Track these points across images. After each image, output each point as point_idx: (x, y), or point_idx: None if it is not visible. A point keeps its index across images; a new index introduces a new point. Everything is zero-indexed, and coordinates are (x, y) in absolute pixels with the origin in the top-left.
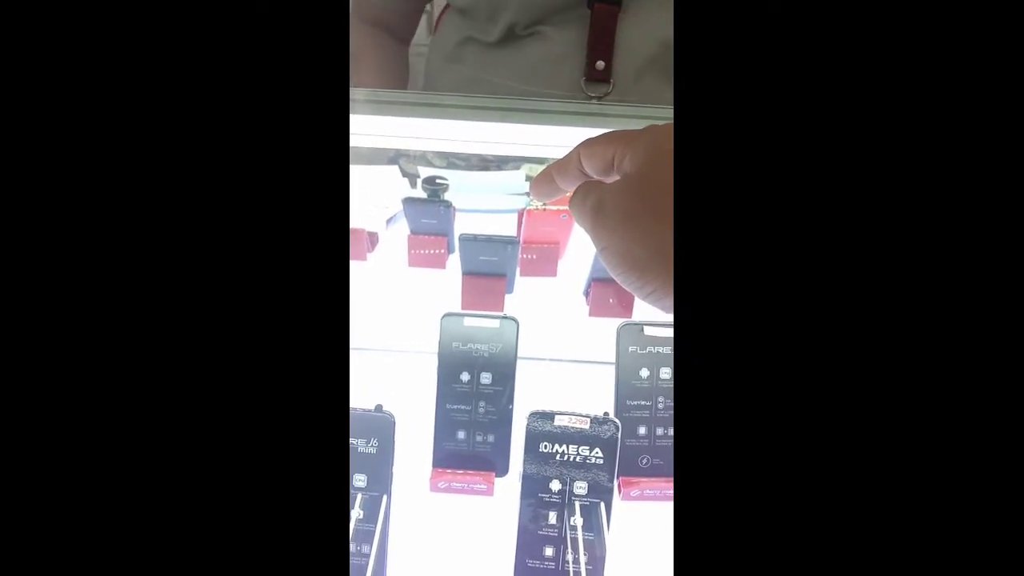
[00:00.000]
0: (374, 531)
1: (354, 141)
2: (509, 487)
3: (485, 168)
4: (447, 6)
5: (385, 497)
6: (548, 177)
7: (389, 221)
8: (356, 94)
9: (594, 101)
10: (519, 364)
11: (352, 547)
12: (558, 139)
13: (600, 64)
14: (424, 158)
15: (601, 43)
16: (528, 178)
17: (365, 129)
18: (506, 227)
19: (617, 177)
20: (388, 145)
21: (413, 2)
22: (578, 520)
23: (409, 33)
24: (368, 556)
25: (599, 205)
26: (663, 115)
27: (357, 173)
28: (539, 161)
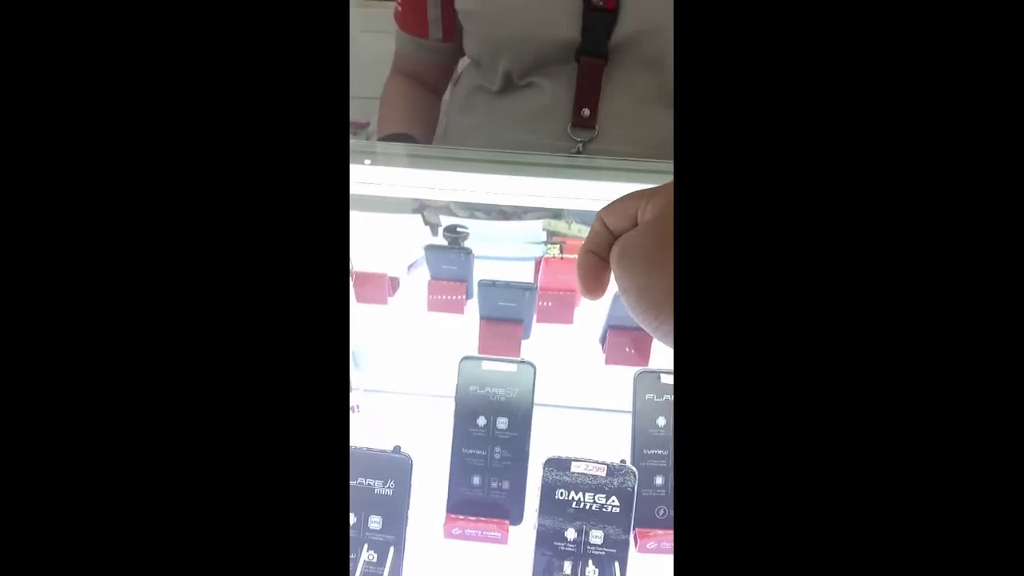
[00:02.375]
0: (384, 574)
1: (374, 191)
2: (523, 535)
3: (504, 218)
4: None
5: (398, 540)
6: (584, 256)
7: (411, 267)
8: (364, 146)
9: (579, 145)
10: (535, 411)
11: None
12: (548, 190)
13: (585, 112)
14: (446, 208)
15: (587, 93)
16: (546, 229)
17: (382, 179)
18: (524, 274)
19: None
20: (389, 194)
21: (446, 57)
22: (594, 571)
23: (442, 86)
24: None
25: (622, 249)
26: (638, 167)
27: (380, 221)
28: (553, 213)
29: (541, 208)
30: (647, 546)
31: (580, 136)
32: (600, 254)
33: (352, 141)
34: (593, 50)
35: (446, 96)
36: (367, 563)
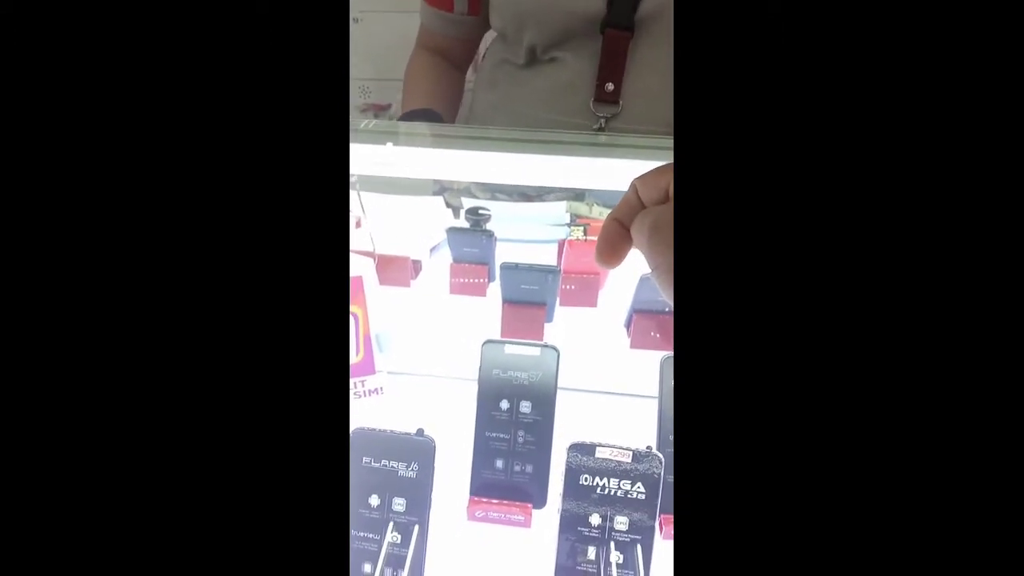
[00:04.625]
0: (412, 557)
1: (396, 172)
2: (547, 519)
3: (527, 199)
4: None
5: (421, 522)
6: (609, 223)
7: (433, 250)
8: (386, 127)
9: (601, 122)
10: (558, 394)
11: (388, 572)
12: (569, 169)
13: (609, 86)
14: (468, 190)
15: (611, 66)
16: (569, 212)
17: (404, 160)
18: (547, 257)
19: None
20: (411, 175)
21: (471, 31)
22: (617, 557)
23: (466, 61)
24: None
25: (655, 225)
26: (661, 145)
27: (402, 203)
28: (575, 194)
29: (564, 189)
30: (673, 532)
31: (603, 112)
32: (625, 223)
33: (374, 122)
34: (619, 22)
35: (470, 73)
36: (391, 544)
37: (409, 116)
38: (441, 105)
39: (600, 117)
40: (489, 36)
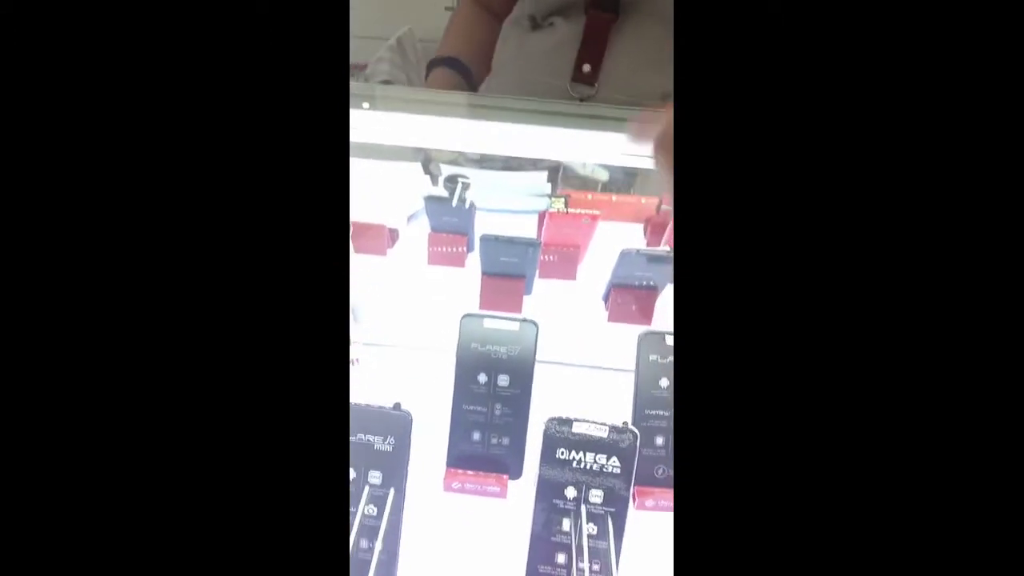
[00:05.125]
0: (389, 529)
1: (371, 138)
2: (523, 491)
3: (508, 168)
4: None
5: (397, 494)
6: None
7: (410, 218)
8: (369, 90)
9: (587, 103)
10: (536, 368)
11: (363, 543)
12: (548, 139)
13: (587, 67)
14: (446, 156)
15: (591, 47)
16: (550, 181)
17: (380, 126)
18: (527, 228)
19: None
20: (389, 142)
21: None
22: (592, 528)
23: (506, 10)
24: (382, 553)
25: (665, 130)
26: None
27: (378, 169)
28: (556, 165)
29: (544, 160)
30: (646, 504)
31: (578, 92)
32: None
33: (351, 84)
34: (603, 4)
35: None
36: (366, 516)
37: (433, 63)
38: (469, 53)
39: (574, 97)
40: None
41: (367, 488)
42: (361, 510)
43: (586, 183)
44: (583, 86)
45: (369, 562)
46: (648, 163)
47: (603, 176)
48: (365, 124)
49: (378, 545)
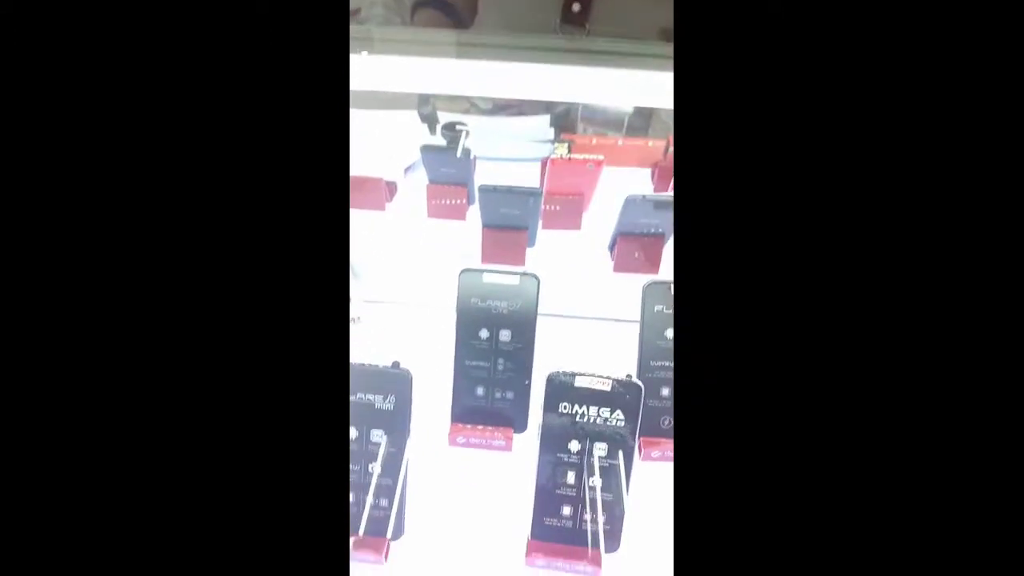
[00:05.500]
0: (394, 486)
1: (368, 84)
2: (528, 443)
3: (506, 114)
4: None
5: (399, 451)
6: None
7: (407, 170)
8: (362, 32)
9: (609, 40)
10: (540, 320)
11: (371, 500)
12: (573, 81)
13: (576, 7)
14: (442, 102)
15: None
16: (553, 124)
17: (378, 71)
18: (529, 176)
19: None
20: (390, 88)
21: None
22: (597, 480)
23: None
24: (387, 510)
25: None
26: (650, 51)
27: (374, 119)
28: (555, 106)
29: (557, 103)
30: (652, 454)
31: (567, 32)
32: None
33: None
34: None
35: None
36: (370, 474)
37: (418, 4)
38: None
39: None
40: None
41: (372, 446)
42: (368, 470)
43: (601, 124)
44: (573, 27)
45: (377, 519)
46: (660, 102)
47: (622, 117)
48: (362, 71)
49: (385, 502)
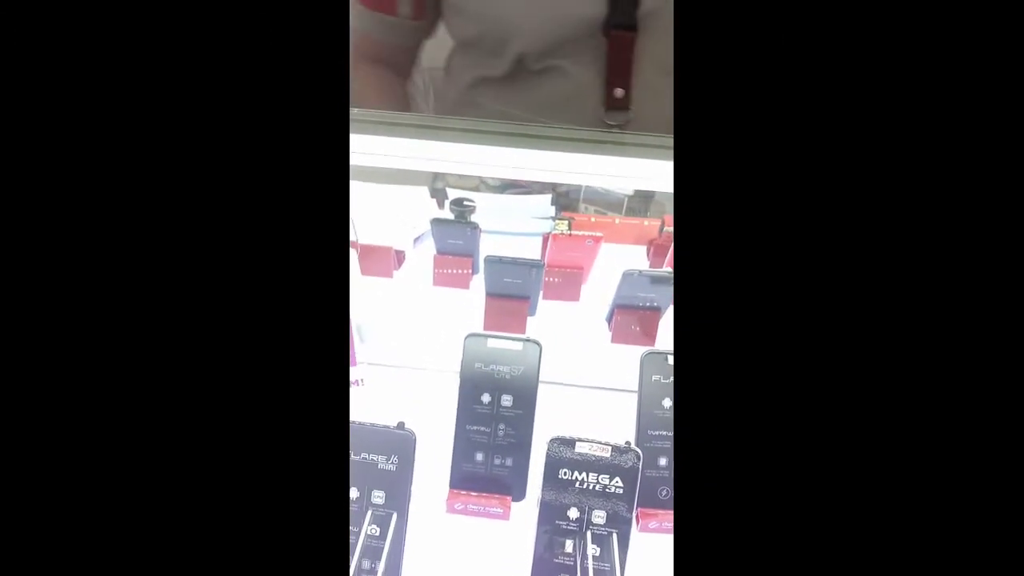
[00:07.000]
0: (393, 549)
1: (383, 162)
2: (526, 512)
3: (513, 192)
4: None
5: (400, 514)
6: None
7: (416, 240)
8: (382, 116)
9: (615, 130)
10: (540, 388)
11: (365, 563)
12: (580, 167)
13: (619, 92)
14: (453, 179)
15: (619, 70)
16: (554, 203)
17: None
18: (531, 250)
19: None
20: (413, 167)
21: (415, 38)
22: (595, 550)
23: (409, 68)
24: (381, 573)
25: None
26: (652, 142)
27: (386, 193)
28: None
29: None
30: (649, 525)
31: (614, 119)
32: None
33: (354, 111)
34: (622, 21)
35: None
36: (369, 536)
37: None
38: None
39: (612, 126)
40: (431, 46)
41: (370, 507)
42: (364, 530)
43: (603, 205)
44: (619, 112)
45: None
46: (662, 186)
47: (621, 199)
48: (372, 149)
49: (380, 566)
